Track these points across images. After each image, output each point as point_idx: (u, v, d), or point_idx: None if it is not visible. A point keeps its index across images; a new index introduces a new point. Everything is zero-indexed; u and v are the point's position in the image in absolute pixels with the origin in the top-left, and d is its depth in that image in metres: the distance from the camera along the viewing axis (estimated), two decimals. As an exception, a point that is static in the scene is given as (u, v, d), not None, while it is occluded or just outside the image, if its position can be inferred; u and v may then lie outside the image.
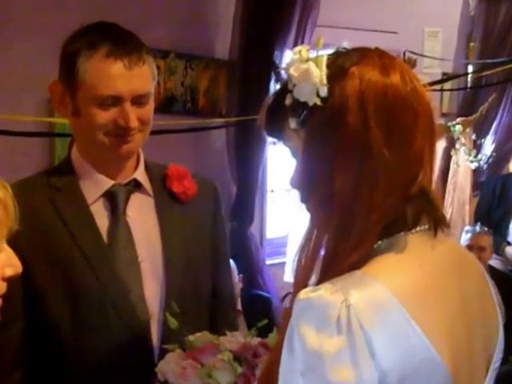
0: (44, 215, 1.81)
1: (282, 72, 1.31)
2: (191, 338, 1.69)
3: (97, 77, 1.74)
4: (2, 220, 1.40)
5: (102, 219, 1.85)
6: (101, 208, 1.86)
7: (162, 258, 1.87)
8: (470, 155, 6.13)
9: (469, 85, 6.52)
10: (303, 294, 1.15)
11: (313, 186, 1.24)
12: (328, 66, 1.22)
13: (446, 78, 6.12)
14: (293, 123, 1.24)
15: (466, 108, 6.36)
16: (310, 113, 1.22)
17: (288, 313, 1.19)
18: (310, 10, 4.69)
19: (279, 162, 5.15)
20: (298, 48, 1.26)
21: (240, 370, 1.61)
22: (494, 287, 1.38)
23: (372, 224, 1.19)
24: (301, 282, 1.23)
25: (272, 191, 5.30)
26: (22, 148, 3.79)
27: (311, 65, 1.22)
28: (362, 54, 1.25)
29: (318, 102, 1.20)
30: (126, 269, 1.83)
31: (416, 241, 1.22)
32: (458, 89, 6.39)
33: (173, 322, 1.72)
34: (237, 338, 1.68)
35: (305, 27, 4.70)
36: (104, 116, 1.76)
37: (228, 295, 2.11)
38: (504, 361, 1.39)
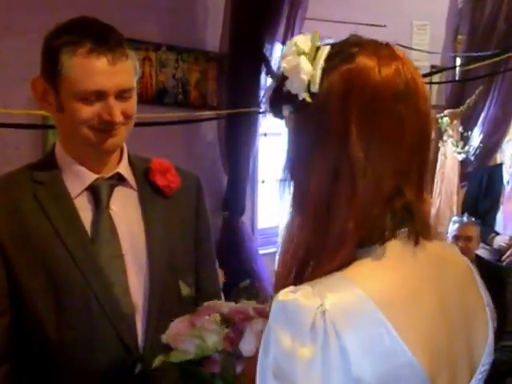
0: (27, 210, 1.82)
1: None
2: (205, 304, 1.70)
3: (81, 72, 1.75)
4: None
5: (85, 213, 1.85)
6: (84, 202, 1.87)
7: (146, 251, 1.89)
8: (457, 147, 6.17)
9: (457, 77, 6.56)
10: (282, 294, 1.13)
11: (292, 179, 1.24)
12: (326, 61, 1.19)
13: (435, 70, 6.15)
14: (285, 111, 1.23)
15: (454, 100, 6.40)
16: (299, 106, 1.20)
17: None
18: (299, 3, 4.71)
19: (270, 153, 5.19)
20: (295, 39, 1.23)
21: (225, 331, 1.60)
22: (483, 288, 1.35)
23: (349, 232, 1.16)
24: (281, 280, 1.22)
25: (263, 182, 5.33)
26: (14, 141, 3.80)
27: (302, 60, 1.19)
28: (359, 50, 1.20)
29: (307, 98, 1.19)
30: (109, 262, 1.84)
31: (395, 248, 1.20)
32: (446, 81, 6.42)
33: (184, 288, 1.74)
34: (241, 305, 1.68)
35: (294, 20, 4.71)
36: (88, 111, 1.77)
37: (212, 289, 2.10)
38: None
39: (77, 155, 1.87)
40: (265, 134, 5.02)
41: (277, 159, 5.10)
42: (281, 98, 1.24)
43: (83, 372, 1.80)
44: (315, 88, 1.18)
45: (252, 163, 4.84)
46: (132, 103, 1.83)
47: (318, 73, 1.18)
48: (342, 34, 1.29)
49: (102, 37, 1.77)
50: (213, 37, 4.71)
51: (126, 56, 1.79)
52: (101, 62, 1.75)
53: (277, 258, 4.91)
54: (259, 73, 4.67)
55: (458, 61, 6.62)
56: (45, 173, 1.86)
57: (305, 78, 1.18)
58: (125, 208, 1.91)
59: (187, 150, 4.50)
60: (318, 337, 1.09)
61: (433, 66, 6.30)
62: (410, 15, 6.19)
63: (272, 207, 5.40)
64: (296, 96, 1.20)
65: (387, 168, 1.18)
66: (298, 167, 1.22)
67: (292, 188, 1.24)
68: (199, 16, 4.70)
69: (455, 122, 6.15)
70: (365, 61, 1.18)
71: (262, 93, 4.65)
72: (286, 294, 1.13)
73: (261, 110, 4.65)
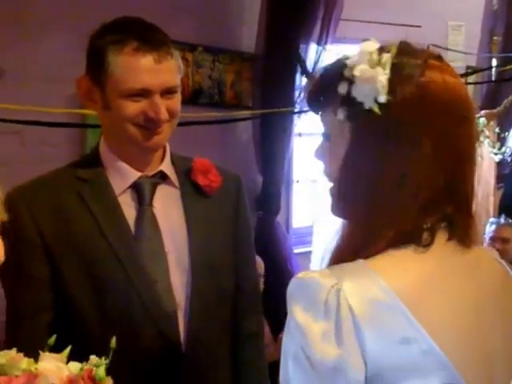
0: (71, 207, 1.84)
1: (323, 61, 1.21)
2: None
3: (127, 71, 1.76)
4: None
5: (129, 210, 1.87)
6: (128, 199, 1.88)
7: (188, 249, 1.90)
8: (493, 148, 6.12)
9: (493, 78, 6.52)
10: (301, 274, 1.18)
11: (354, 190, 1.23)
12: (392, 71, 1.20)
13: (470, 71, 6.12)
14: (341, 114, 1.23)
15: (490, 101, 6.35)
16: (364, 115, 1.20)
17: None
18: (334, 4, 4.71)
19: (305, 153, 5.19)
20: (368, 47, 1.22)
21: None
22: None
23: (387, 238, 1.19)
24: None
25: (297, 182, 5.34)
26: (53, 139, 3.86)
27: (379, 72, 1.19)
28: (424, 62, 1.22)
29: (376, 109, 1.19)
30: (152, 260, 1.86)
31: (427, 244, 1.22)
32: (482, 82, 6.38)
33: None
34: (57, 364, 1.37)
35: (329, 21, 4.72)
36: (134, 108, 1.78)
37: (252, 288, 2.12)
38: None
39: (121, 153, 1.88)
40: (299, 134, 5.03)
41: (312, 159, 5.12)
42: (333, 97, 1.24)
43: (125, 368, 1.77)
44: (383, 99, 1.18)
45: (287, 163, 4.86)
46: (177, 101, 1.85)
47: (386, 84, 1.19)
48: (376, 34, 1.30)
49: (147, 36, 1.79)
50: (248, 38, 4.74)
51: (170, 55, 1.80)
52: (147, 60, 1.76)
53: (313, 254, 4.94)
54: (294, 73, 4.68)
55: (494, 61, 6.58)
56: (89, 170, 1.88)
57: (380, 90, 1.18)
58: (167, 206, 1.92)
59: (222, 150, 4.51)
60: (331, 314, 1.13)
61: (468, 67, 6.26)
62: (446, 16, 6.16)
63: (306, 207, 5.42)
64: (358, 104, 1.20)
65: (445, 179, 1.22)
66: (360, 175, 1.22)
67: (344, 192, 1.25)
68: (235, 17, 4.74)
69: (492, 122, 6.10)
70: (435, 74, 1.22)
71: (296, 93, 4.67)
72: (304, 273, 1.18)
73: (296, 110, 4.67)
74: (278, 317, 3.78)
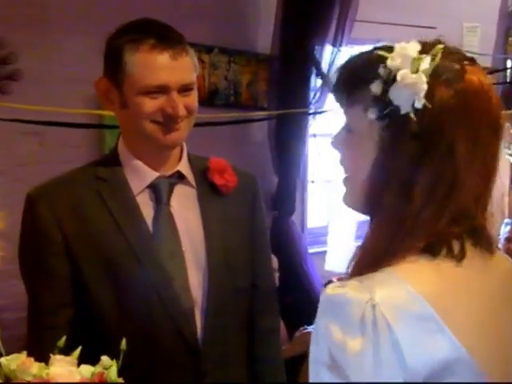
0: (90, 205, 1.86)
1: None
2: (3, 360, 1.36)
3: (144, 68, 1.79)
4: None
5: (147, 210, 1.89)
6: (146, 199, 1.90)
7: (205, 248, 1.91)
8: (508, 149, 6.12)
9: (508, 79, 6.51)
10: (330, 289, 1.15)
11: (382, 193, 1.20)
12: (431, 76, 1.17)
13: (486, 72, 6.11)
14: (372, 114, 1.19)
15: (505, 102, 6.31)
16: (398, 118, 1.17)
17: None
18: (349, 5, 4.70)
19: (319, 153, 5.20)
20: (411, 51, 1.18)
21: None
22: None
23: (415, 248, 1.18)
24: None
25: (312, 182, 5.35)
26: (73, 140, 3.89)
27: (422, 79, 1.16)
28: (462, 66, 1.21)
29: (412, 115, 1.16)
30: (169, 258, 1.87)
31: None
32: (497, 83, 6.37)
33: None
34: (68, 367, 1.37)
35: (344, 22, 4.71)
36: (152, 104, 1.80)
37: (268, 286, 2.13)
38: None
39: (139, 152, 1.90)
40: (314, 135, 5.05)
41: (326, 159, 5.14)
42: (365, 94, 1.20)
43: (142, 364, 1.83)
44: (420, 104, 1.16)
45: (302, 163, 4.88)
46: (194, 98, 1.87)
47: (425, 88, 1.16)
48: (391, 36, 1.30)
49: (163, 34, 1.82)
50: (264, 39, 4.76)
51: (186, 52, 1.83)
52: (163, 57, 1.79)
53: (328, 254, 4.94)
54: (309, 74, 4.69)
55: (509, 63, 6.57)
56: (108, 169, 1.91)
57: (420, 95, 1.16)
58: (184, 206, 1.94)
59: (238, 151, 4.52)
60: (367, 330, 1.10)
61: (483, 68, 6.25)
62: (461, 17, 6.15)
63: (321, 207, 5.43)
64: (395, 107, 1.17)
65: (480, 186, 1.21)
66: (391, 180, 1.20)
67: (372, 192, 1.23)
68: (250, 19, 4.76)
69: (507, 124, 6.10)
70: (473, 78, 1.20)
71: (311, 94, 4.69)
72: (334, 289, 1.15)
73: (311, 111, 4.69)
74: (293, 315, 3.81)
